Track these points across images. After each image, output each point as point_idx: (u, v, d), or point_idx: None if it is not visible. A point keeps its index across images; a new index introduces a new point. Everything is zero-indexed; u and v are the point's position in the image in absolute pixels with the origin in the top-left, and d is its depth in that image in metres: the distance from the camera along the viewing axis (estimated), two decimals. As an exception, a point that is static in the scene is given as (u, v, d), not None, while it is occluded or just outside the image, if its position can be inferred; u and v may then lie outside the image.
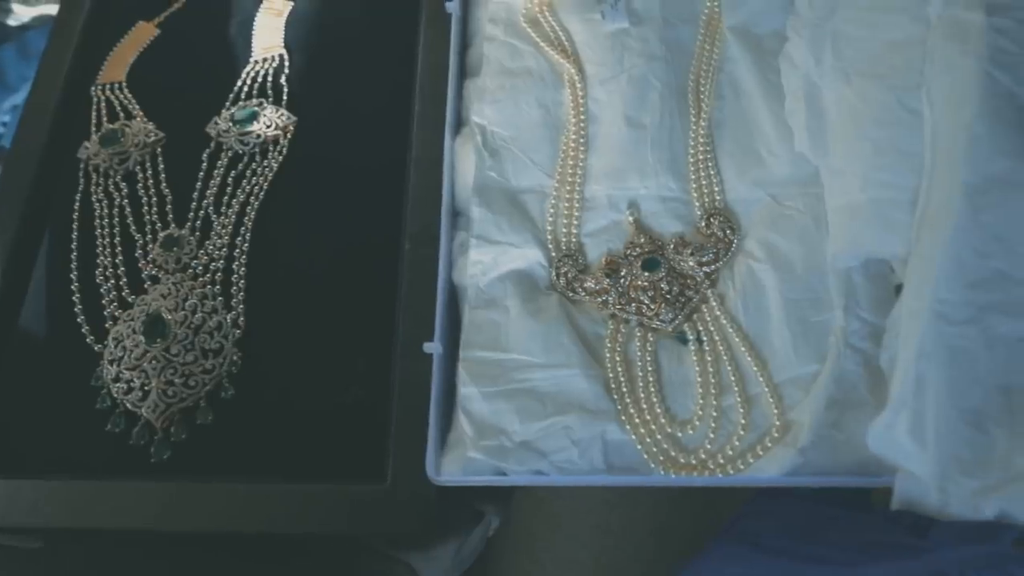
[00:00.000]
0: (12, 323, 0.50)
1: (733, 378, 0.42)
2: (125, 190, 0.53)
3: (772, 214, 0.45)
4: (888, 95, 0.40)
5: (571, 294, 0.45)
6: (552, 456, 0.41)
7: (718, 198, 0.46)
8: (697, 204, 0.47)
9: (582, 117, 0.50)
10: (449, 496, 0.41)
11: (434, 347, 0.43)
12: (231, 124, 0.54)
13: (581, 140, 0.49)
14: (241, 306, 0.49)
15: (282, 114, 0.54)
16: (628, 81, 0.50)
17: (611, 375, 0.43)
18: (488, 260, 0.46)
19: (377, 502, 0.41)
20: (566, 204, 0.48)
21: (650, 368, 0.43)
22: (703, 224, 0.46)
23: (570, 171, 0.48)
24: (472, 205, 0.47)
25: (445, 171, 0.47)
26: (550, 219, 0.47)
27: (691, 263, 0.45)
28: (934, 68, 0.38)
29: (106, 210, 0.52)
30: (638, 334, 0.44)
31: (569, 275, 0.45)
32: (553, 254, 0.46)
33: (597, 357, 0.43)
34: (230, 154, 0.54)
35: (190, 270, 0.50)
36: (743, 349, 0.42)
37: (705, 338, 0.43)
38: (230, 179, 0.53)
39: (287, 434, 0.45)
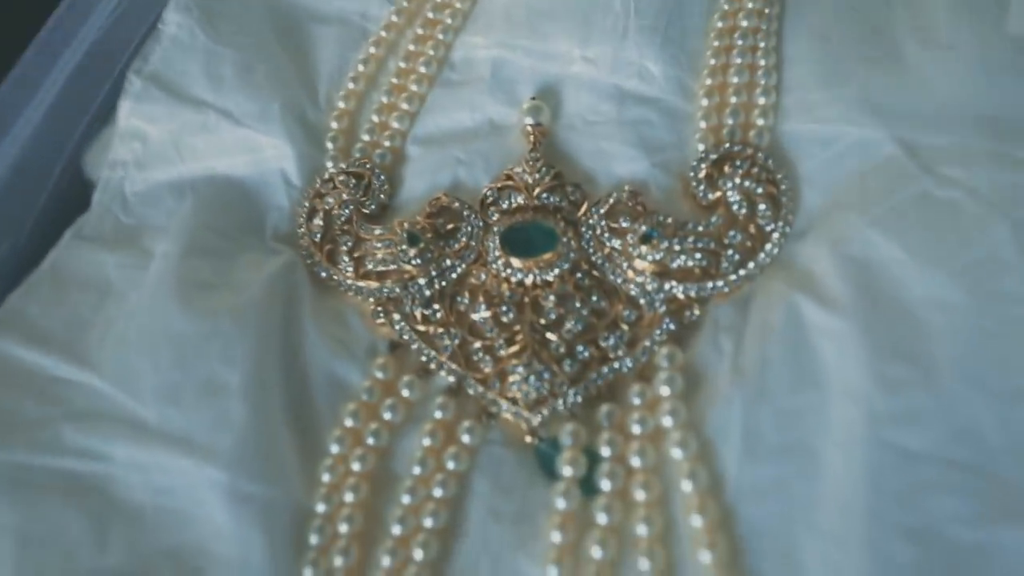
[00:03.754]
0: None
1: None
2: None
3: (894, 190, 0.16)
4: None
5: (326, 268, 0.18)
6: None
7: (759, 122, 0.18)
8: (703, 122, 0.18)
9: None
10: None
11: None
12: None
13: (486, -62, 0.21)
14: None
15: None
16: None
17: (322, 507, 0.15)
18: (162, 137, 0.19)
19: None
20: (403, 64, 0.20)
21: (431, 519, 0.15)
22: (701, 174, 0.18)
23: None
24: (168, 10, 0.20)
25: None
26: (352, 86, 0.20)
27: (639, 263, 0.17)
28: None
29: None
30: (438, 414, 0.16)
31: (340, 218, 0.18)
32: (328, 164, 0.19)
33: (311, 441, 0.16)
34: None
35: None
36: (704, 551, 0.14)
37: (609, 483, 0.15)
38: None
39: None
